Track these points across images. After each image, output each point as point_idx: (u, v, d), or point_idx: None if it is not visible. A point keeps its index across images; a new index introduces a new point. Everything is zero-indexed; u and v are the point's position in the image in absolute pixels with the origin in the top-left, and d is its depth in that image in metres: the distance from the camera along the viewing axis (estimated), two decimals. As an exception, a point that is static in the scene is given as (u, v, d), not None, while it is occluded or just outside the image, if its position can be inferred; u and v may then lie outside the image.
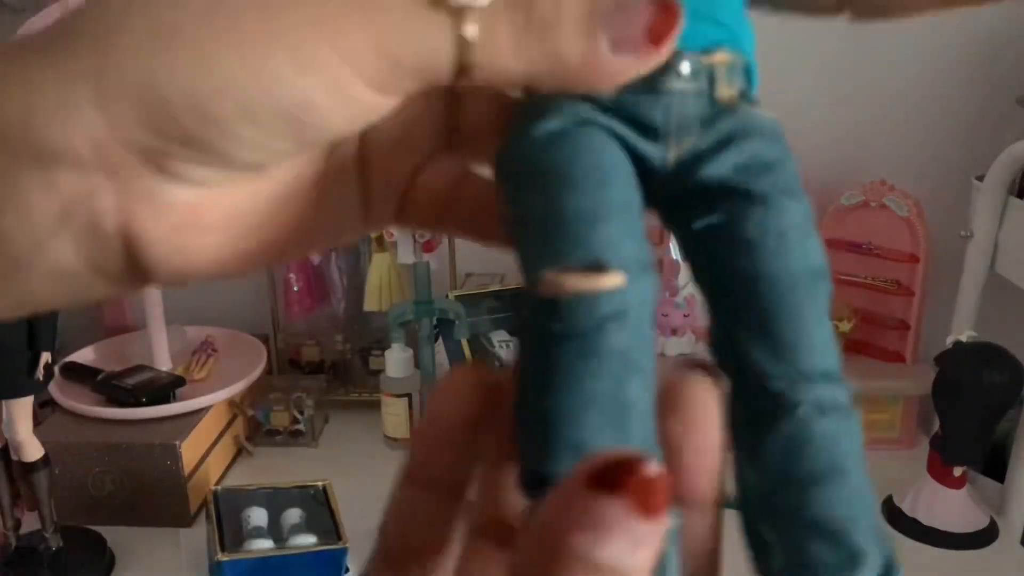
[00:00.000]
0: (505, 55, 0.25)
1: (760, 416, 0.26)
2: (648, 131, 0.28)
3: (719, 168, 0.28)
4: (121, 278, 0.26)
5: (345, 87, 0.24)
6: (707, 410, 0.27)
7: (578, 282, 0.24)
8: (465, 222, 0.31)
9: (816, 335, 0.26)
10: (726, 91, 0.29)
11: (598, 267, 0.25)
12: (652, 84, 0.28)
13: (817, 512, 0.25)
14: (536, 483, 0.24)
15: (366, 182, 0.30)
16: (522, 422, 0.25)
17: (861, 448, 0.26)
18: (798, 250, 0.27)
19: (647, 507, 0.20)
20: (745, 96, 0.30)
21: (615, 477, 0.20)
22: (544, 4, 0.25)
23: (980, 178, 1.11)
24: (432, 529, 0.28)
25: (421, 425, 0.28)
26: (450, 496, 0.28)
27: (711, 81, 0.29)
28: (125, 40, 0.23)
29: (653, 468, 0.21)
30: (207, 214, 0.26)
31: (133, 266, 0.25)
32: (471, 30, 0.24)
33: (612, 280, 0.24)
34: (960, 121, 1.26)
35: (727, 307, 0.28)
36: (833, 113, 1.27)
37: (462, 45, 0.25)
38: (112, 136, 0.23)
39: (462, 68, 0.25)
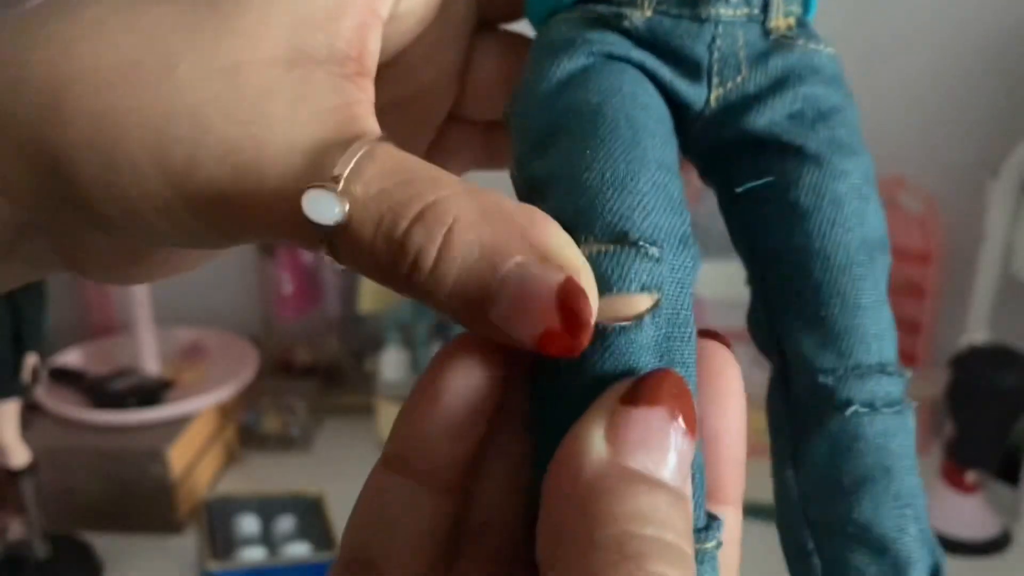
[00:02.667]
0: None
1: (805, 411, 0.24)
2: (688, 67, 0.24)
3: (770, 116, 0.24)
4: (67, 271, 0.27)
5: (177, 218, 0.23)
6: (729, 385, 0.24)
7: (598, 247, 0.21)
8: None
9: (872, 321, 0.23)
10: (781, 20, 0.25)
11: (625, 241, 0.21)
12: (694, 10, 0.24)
13: (862, 519, 0.23)
14: None
15: None
16: (538, 434, 0.22)
17: (913, 445, 0.24)
18: (856, 219, 0.24)
19: (686, 414, 0.20)
20: (804, 26, 0.25)
21: (646, 391, 0.20)
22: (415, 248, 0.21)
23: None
24: (415, 531, 0.23)
25: (414, 399, 0.23)
26: (444, 492, 0.23)
27: (765, 7, 0.24)
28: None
29: (677, 375, 0.20)
30: (139, 249, 0.26)
31: (78, 273, 0.26)
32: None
33: (639, 303, 0.21)
34: (978, 116, 1.24)
35: (773, 285, 0.25)
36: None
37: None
38: (36, 207, 0.23)
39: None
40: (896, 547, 0.23)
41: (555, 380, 0.22)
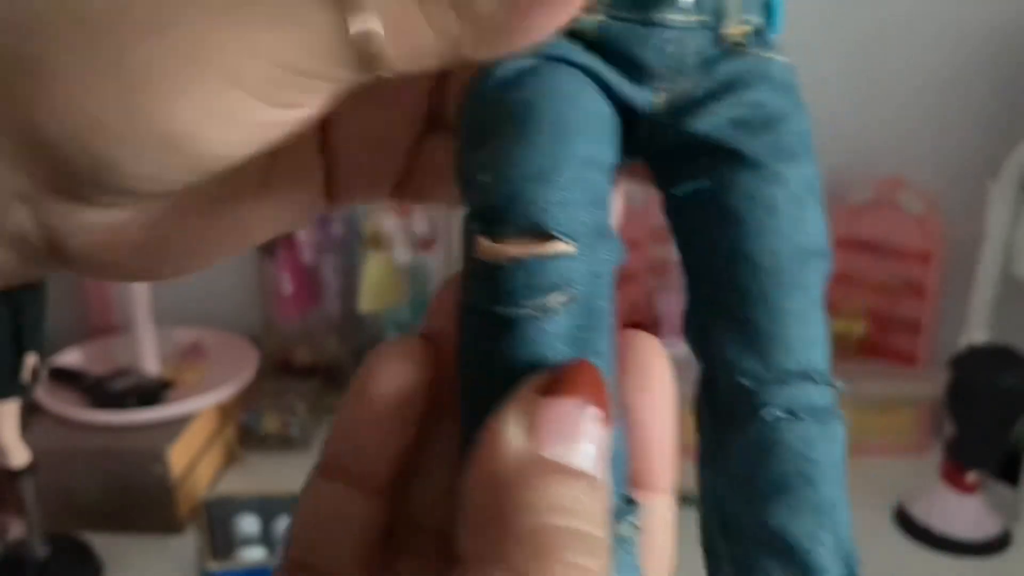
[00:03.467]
0: (416, 34, 0.22)
1: (726, 413, 0.24)
2: (635, 71, 0.24)
3: (712, 121, 0.24)
4: (57, 268, 0.26)
5: (231, 108, 0.22)
6: (656, 374, 0.25)
7: (514, 248, 0.22)
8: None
9: (798, 328, 0.24)
10: (736, 28, 0.25)
11: (542, 233, 0.22)
12: (645, 15, 0.24)
13: (774, 526, 0.23)
14: None
15: (331, 167, 0.28)
16: (465, 421, 0.23)
17: (839, 455, 0.24)
18: (789, 227, 0.24)
19: (600, 403, 0.21)
20: (760, 35, 0.25)
21: (561, 382, 0.21)
22: None
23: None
24: (350, 534, 0.24)
25: (345, 405, 0.24)
26: (375, 494, 0.24)
27: (718, 14, 0.24)
28: None
29: (592, 366, 0.21)
30: (129, 231, 0.25)
31: (68, 266, 0.25)
32: (370, 19, 0.21)
33: (557, 248, 0.22)
34: (978, 116, 1.24)
35: (703, 287, 0.25)
36: (846, 106, 1.24)
37: (364, 36, 0.21)
38: (11, 174, 0.22)
39: (373, 60, 0.22)
40: (808, 558, 0.23)
41: (473, 371, 0.23)
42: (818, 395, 0.24)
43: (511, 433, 0.20)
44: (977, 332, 1.09)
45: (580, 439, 0.20)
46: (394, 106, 0.28)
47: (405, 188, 0.29)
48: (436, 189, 0.29)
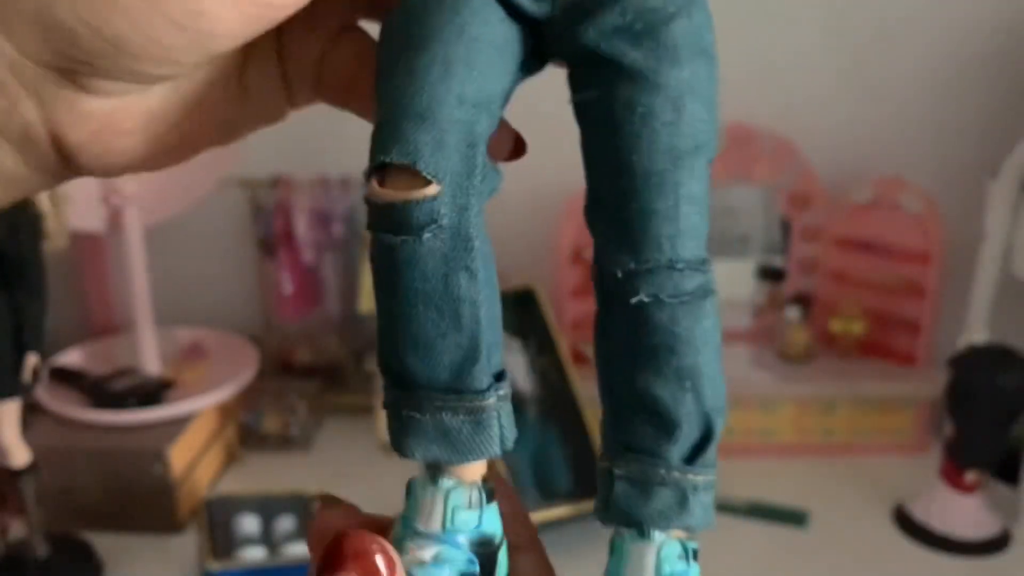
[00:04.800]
0: None
1: (609, 296, 0.27)
2: None
3: (598, 29, 0.26)
4: (60, 173, 0.28)
5: None
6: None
7: (390, 192, 0.25)
8: (366, 101, 0.31)
9: (666, 225, 0.26)
10: None
11: (413, 171, 0.25)
12: None
13: (642, 387, 0.26)
14: (387, 371, 0.26)
15: (283, 61, 0.31)
16: (377, 315, 0.27)
17: (707, 330, 0.27)
18: (664, 132, 0.26)
19: (366, 569, 0.24)
20: None
21: (331, 559, 0.25)
22: None
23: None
24: None
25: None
26: None
27: None
28: None
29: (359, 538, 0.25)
30: (125, 119, 0.28)
31: (67, 163, 0.28)
32: None
33: (423, 191, 0.25)
34: (978, 116, 1.24)
35: (592, 188, 0.27)
36: (847, 106, 1.25)
37: None
38: (22, 58, 0.25)
39: None
40: (668, 414, 0.26)
41: (376, 274, 0.26)
42: (682, 280, 0.26)
43: None
44: (976, 332, 1.09)
45: None
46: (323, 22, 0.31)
47: (327, 90, 0.32)
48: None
